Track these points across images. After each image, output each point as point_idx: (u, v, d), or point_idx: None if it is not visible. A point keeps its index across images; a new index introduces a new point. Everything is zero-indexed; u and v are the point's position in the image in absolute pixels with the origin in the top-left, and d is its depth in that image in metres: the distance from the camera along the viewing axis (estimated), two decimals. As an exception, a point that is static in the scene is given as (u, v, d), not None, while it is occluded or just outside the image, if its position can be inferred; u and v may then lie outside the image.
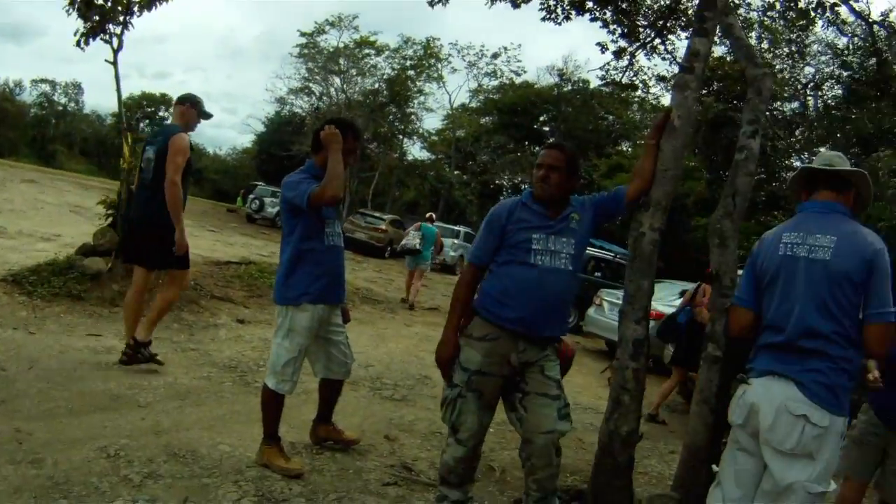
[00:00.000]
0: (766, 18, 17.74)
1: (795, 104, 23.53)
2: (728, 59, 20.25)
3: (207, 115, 6.93)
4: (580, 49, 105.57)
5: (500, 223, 4.14)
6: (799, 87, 22.89)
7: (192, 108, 6.71)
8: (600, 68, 15.41)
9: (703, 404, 4.77)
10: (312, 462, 4.90)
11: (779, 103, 22.07)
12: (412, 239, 16.48)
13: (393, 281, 19.10)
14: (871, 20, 17.90)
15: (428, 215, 18.45)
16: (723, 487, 3.61)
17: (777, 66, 20.76)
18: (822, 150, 20.73)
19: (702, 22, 5.19)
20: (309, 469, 4.73)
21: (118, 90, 9.00)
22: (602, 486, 4.70)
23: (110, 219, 8.88)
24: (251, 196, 35.73)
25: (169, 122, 7.20)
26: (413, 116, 47.69)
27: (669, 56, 19.54)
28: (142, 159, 6.69)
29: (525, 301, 3.98)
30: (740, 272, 4.39)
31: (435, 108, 52.91)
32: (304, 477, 4.56)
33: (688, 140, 5.05)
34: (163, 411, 5.43)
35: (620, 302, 13.27)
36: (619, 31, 14.42)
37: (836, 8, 17.59)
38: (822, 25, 19.10)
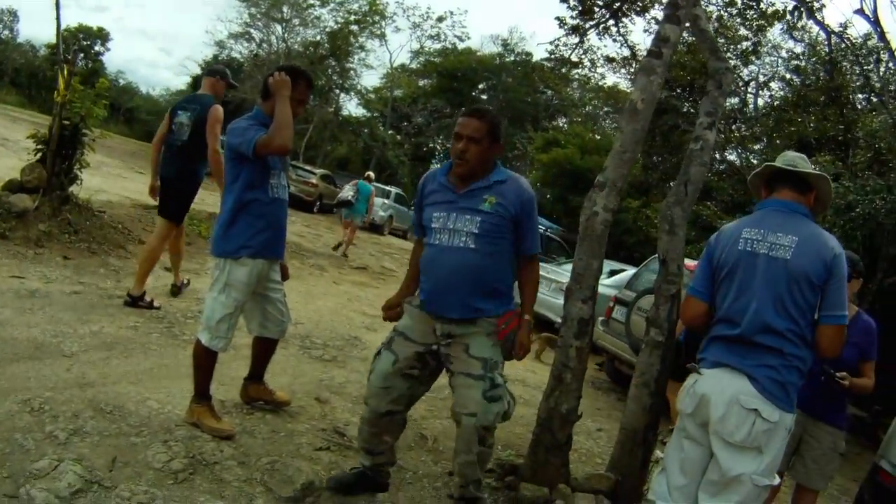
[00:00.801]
0: (724, 14, 17.93)
1: (736, 100, 23.87)
2: (680, 48, 20.43)
3: (234, 86, 8.17)
4: (527, 21, 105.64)
5: (420, 198, 4.10)
6: (741, 84, 23.21)
7: (221, 81, 7.59)
8: (550, 42, 15.36)
9: (643, 388, 4.82)
10: (243, 422, 4.76)
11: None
12: (346, 192, 17.31)
13: (321, 236, 18.89)
14: (831, 31, 18.29)
15: (366, 175, 19.11)
16: (668, 474, 3.64)
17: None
18: (758, 147, 21.22)
19: (674, 9, 5.21)
20: (240, 430, 4.59)
21: (58, 20, 8.64)
22: (540, 463, 4.70)
23: (39, 154, 8.46)
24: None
25: (200, 91, 7.69)
26: (352, 72, 47.17)
27: (621, 38, 19.70)
28: (172, 122, 7.28)
29: (425, 280, 3.95)
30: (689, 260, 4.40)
31: (375, 65, 52.71)
32: (235, 438, 4.43)
33: (647, 125, 5.02)
34: (88, 362, 5.20)
35: (548, 275, 13.49)
36: (577, 7, 14.45)
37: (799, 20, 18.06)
38: (781, 29, 19.50)
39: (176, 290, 7.91)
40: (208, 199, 16.34)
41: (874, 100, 18.08)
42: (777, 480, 3.53)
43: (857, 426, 14.52)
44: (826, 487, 4.99)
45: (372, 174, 19.76)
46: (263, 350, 5.06)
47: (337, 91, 48.14)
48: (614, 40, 19.42)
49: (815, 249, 3.37)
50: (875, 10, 18.57)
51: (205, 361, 4.54)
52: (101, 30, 70.43)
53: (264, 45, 43.63)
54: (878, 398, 15.94)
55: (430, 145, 53.08)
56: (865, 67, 18.63)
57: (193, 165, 7.27)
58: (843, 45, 18.79)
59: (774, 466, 3.39)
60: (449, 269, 3.83)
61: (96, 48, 69.11)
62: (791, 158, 3.71)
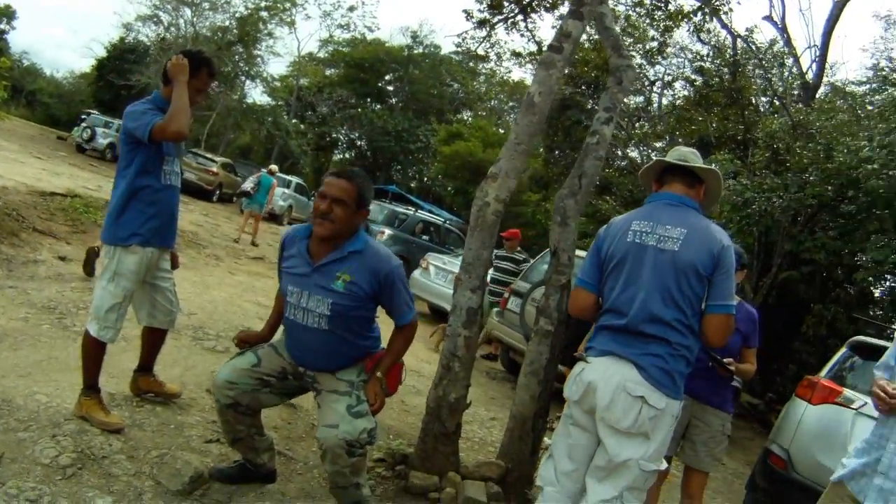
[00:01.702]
0: (632, 13, 18.30)
1: (640, 98, 24.36)
2: (585, 45, 20.73)
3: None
4: (437, 14, 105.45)
5: (280, 258, 4.04)
6: (647, 83, 23.70)
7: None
8: (458, 35, 15.47)
9: (532, 376, 4.90)
10: (133, 415, 4.68)
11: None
12: (247, 184, 17.97)
13: (220, 226, 18.62)
14: (735, 33, 18.80)
15: (269, 167, 19.52)
16: (555, 460, 3.68)
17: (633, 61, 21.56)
18: (659, 145, 21.70)
19: (579, 5, 5.27)
20: (129, 423, 4.51)
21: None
22: (429, 451, 4.76)
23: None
24: (83, 125, 33.57)
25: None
26: (259, 59, 46.41)
27: (528, 34, 19.91)
28: None
29: (289, 347, 3.95)
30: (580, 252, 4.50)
31: (282, 53, 51.92)
32: (124, 432, 4.35)
33: (544, 118, 5.11)
34: (-24, 356, 5.05)
35: (445, 266, 13.65)
36: (486, 1, 14.56)
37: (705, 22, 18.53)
38: (688, 30, 19.98)
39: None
40: (105, 187, 16.01)
41: (776, 102, 18.67)
42: (664, 465, 3.59)
43: (752, 413, 15.07)
44: (715, 469, 5.15)
45: (275, 167, 19.85)
46: (153, 340, 4.97)
47: (243, 78, 47.40)
48: (522, 35, 19.65)
49: (704, 241, 3.45)
50: (783, 17, 19.30)
51: (94, 353, 4.45)
52: (7, 7, 67.58)
53: (172, 29, 42.50)
54: (772, 387, 16.51)
55: (334, 135, 52.72)
56: (768, 71, 19.24)
57: None
58: (749, 49, 19.37)
59: (661, 452, 3.47)
60: (307, 345, 3.84)
61: (1, 26, 66.39)
62: (682, 153, 3.81)
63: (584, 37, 19.89)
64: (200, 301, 8.66)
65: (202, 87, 4.59)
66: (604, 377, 3.44)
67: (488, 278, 10.42)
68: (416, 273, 14.44)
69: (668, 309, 3.41)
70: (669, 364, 3.39)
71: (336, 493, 3.90)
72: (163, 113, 4.34)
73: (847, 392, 6.23)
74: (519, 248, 11.31)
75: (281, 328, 4.08)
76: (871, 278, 13.35)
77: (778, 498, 6.91)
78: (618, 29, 6.09)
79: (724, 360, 4.60)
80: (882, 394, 3.32)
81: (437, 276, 13.80)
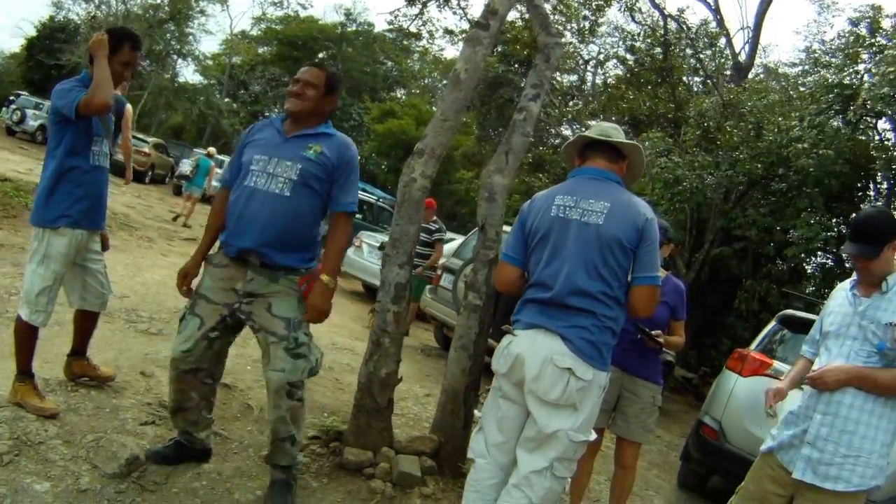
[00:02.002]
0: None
1: (574, 77, 24.55)
2: (517, 24, 20.81)
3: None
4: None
5: (242, 140, 4.13)
6: (581, 62, 23.89)
7: None
8: (390, 13, 15.47)
9: (462, 350, 4.96)
10: (67, 400, 4.67)
11: (559, 74, 23.07)
12: (186, 166, 18.64)
13: (152, 207, 18.42)
14: (667, 14, 19.04)
15: (208, 150, 20.02)
16: (485, 433, 3.74)
17: (565, 40, 21.71)
18: (593, 123, 21.93)
19: (508, -18, 5.28)
20: (64, 408, 4.51)
21: None
22: (362, 427, 4.80)
23: None
24: (12, 107, 32.68)
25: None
26: (191, 37, 45.84)
27: (461, 11, 19.92)
28: None
29: (232, 221, 3.93)
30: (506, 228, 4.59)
31: (214, 31, 51.13)
32: (59, 417, 4.35)
33: (469, 95, 5.17)
34: None
35: (379, 244, 13.63)
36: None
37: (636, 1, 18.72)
38: (619, 8, 20.18)
39: None
40: (36, 170, 15.68)
41: (709, 82, 18.96)
42: (593, 436, 3.64)
43: (687, 387, 15.41)
44: (648, 440, 5.28)
45: (213, 150, 19.85)
46: (85, 323, 4.96)
47: (174, 57, 46.70)
48: (454, 13, 19.71)
49: (627, 215, 3.50)
50: (717, -1, 19.59)
51: (26, 337, 4.44)
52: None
53: (103, 7, 41.68)
54: (706, 361, 16.88)
55: (267, 114, 52.18)
56: (700, 51, 19.52)
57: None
58: (681, 29, 19.61)
59: (590, 423, 3.53)
60: (258, 209, 3.84)
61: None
62: (603, 129, 3.85)
63: (517, 15, 20.01)
64: (133, 283, 8.59)
65: (128, 60, 4.54)
66: (531, 349, 3.49)
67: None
68: (350, 252, 14.37)
69: (593, 281, 3.46)
70: (595, 336, 3.45)
71: (274, 451, 4.05)
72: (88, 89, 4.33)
73: (777, 364, 6.47)
74: (434, 219, 11.37)
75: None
76: (802, 254, 13.66)
77: (711, 468, 7.15)
78: (547, 7, 6.18)
79: (653, 332, 4.72)
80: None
81: (371, 254, 13.85)
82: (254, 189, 3.86)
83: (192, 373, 4.05)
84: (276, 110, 51.71)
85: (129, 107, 7.24)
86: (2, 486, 3.57)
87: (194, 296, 4.06)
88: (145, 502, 3.84)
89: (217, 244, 4.14)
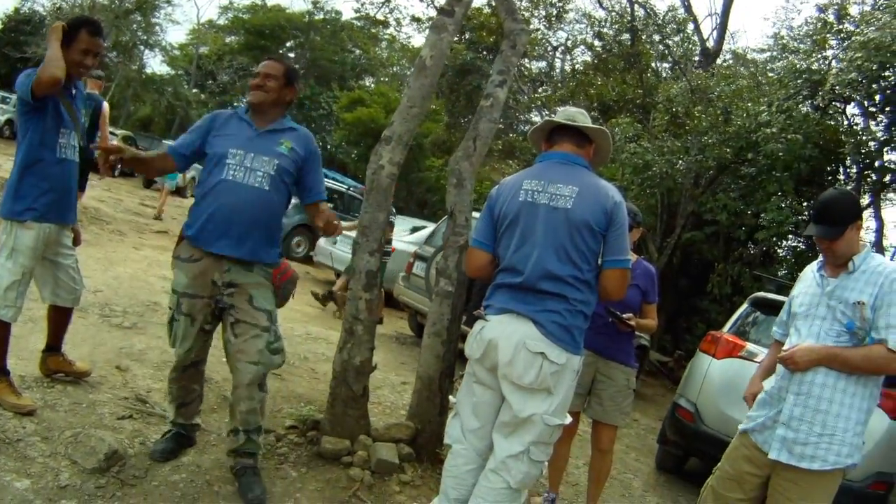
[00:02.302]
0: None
1: (543, 64, 24.59)
2: (484, 10, 20.81)
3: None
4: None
5: (205, 125, 4.18)
6: (549, 48, 23.92)
7: (100, 80, 8.77)
8: (357, 0, 15.47)
9: (435, 337, 5.00)
10: (44, 396, 4.66)
11: (527, 61, 23.12)
12: None
13: (122, 201, 18.29)
14: (634, 0, 19.11)
15: None
16: (461, 418, 3.79)
17: (532, 26, 21.74)
18: (562, 108, 22.04)
19: (472, -31, 5.30)
20: (41, 404, 4.50)
21: None
22: (339, 416, 4.82)
23: None
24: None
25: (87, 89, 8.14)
26: (158, 27, 45.36)
27: (427, -1, 19.85)
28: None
29: (209, 216, 3.97)
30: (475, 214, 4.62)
31: (181, 21, 50.67)
32: (36, 413, 4.35)
33: (435, 81, 5.19)
34: None
35: (351, 234, 13.79)
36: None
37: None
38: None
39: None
40: (5, 165, 15.54)
41: (677, 68, 19.04)
42: (568, 419, 3.67)
43: (662, 371, 15.53)
44: (624, 423, 5.32)
45: None
46: (58, 319, 4.94)
47: (141, 48, 46.26)
48: (421, 0, 19.69)
49: (596, 198, 3.52)
50: (685, -16, 19.66)
51: None
52: None
53: (68, -2, 41.18)
54: (681, 344, 17.04)
55: (235, 104, 51.85)
56: (667, 37, 19.61)
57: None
58: (648, 15, 19.67)
59: (565, 406, 3.57)
60: (241, 205, 3.94)
61: None
62: (570, 114, 3.87)
63: (483, 2, 20.00)
64: (105, 277, 8.55)
65: (87, 48, 4.45)
66: (504, 334, 3.52)
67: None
68: (322, 241, 14.42)
69: (564, 265, 3.48)
70: (567, 320, 3.48)
71: (246, 442, 4.14)
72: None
73: (750, 346, 6.56)
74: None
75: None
76: (773, 238, 13.79)
77: (688, 450, 7.23)
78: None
79: (624, 315, 4.79)
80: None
81: (342, 243, 13.78)
82: (233, 182, 3.94)
83: (192, 366, 4.25)
84: (245, 100, 51.52)
85: (106, 105, 7.37)
86: (-19, 484, 3.55)
87: (176, 297, 4.08)
88: (126, 496, 3.85)
89: (179, 236, 4.19)
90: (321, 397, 5.59)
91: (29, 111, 4.33)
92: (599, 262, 3.59)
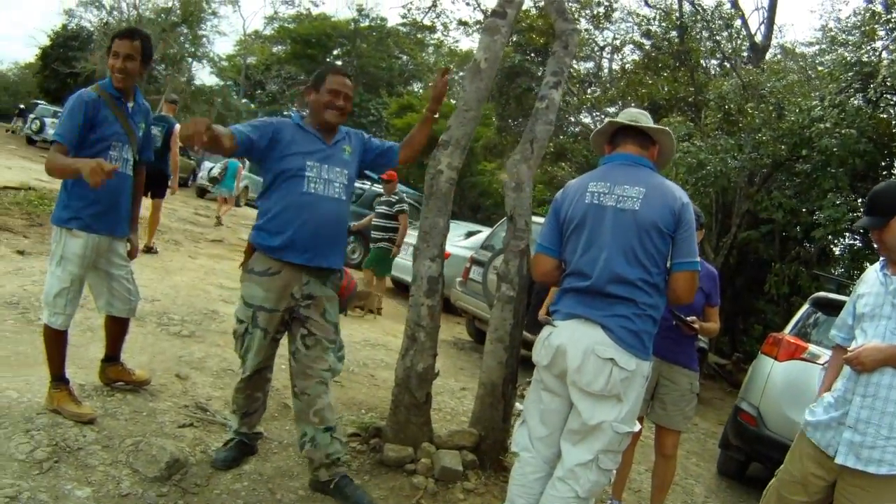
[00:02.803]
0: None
1: (591, 64, 24.45)
2: (532, 12, 20.73)
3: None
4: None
5: (269, 128, 4.08)
6: (596, 48, 23.78)
7: (174, 105, 11.66)
8: (403, 6, 15.52)
9: (498, 342, 4.93)
10: (104, 405, 4.66)
11: (575, 62, 23.04)
12: (215, 169, 19.07)
13: (176, 210, 18.44)
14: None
15: None
16: (528, 426, 3.71)
17: (579, 26, 21.66)
18: (612, 109, 21.84)
19: (522, -30, 5.25)
20: (101, 413, 4.50)
21: None
22: (402, 423, 4.79)
23: None
24: (31, 116, 32.72)
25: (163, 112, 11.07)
26: (205, 39, 45.83)
27: (474, 2, 19.83)
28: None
29: (296, 228, 3.96)
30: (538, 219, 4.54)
31: (228, 32, 51.21)
32: (96, 422, 4.35)
33: (490, 84, 5.13)
34: (-58, 354, 5.01)
35: (407, 240, 13.79)
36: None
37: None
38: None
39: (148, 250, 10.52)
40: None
41: (726, 64, 18.80)
42: (637, 427, 3.61)
43: (721, 373, 15.30)
44: (687, 428, 5.24)
45: None
46: (115, 329, 4.94)
47: (189, 59, 46.81)
48: (467, 4, 19.67)
49: (663, 199, 3.46)
50: (731, -22, 19.41)
51: (54, 342, 4.44)
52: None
53: (115, 13, 41.77)
54: (738, 346, 16.79)
55: (285, 113, 52.32)
56: (716, 33, 19.37)
57: (163, 162, 10.13)
58: (696, 11, 19.46)
59: (634, 413, 3.47)
60: (326, 218, 4.03)
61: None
62: (632, 114, 3.81)
63: (531, 3, 19.91)
64: (162, 287, 8.59)
65: (116, 51, 4.49)
66: (572, 340, 3.44)
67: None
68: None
69: (633, 268, 3.41)
70: (636, 324, 3.40)
71: (332, 443, 4.09)
72: (115, 99, 4.45)
73: (812, 347, 6.40)
74: (396, 191, 11.40)
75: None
76: (829, 236, 13.50)
77: (750, 454, 7.08)
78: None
79: (688, 318, 4.69)
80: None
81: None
82: (315, 195, 4.01)
83: (258, 373, 4.26)
84: (295, 108, 51.87)
85: (178, 126, 7.81)
86: (43, 493, 3.56)
87: (250, 309, 4.06)
88: (188, 505, 3.83)
89: (250, 248, 4.16)
90: (381, 404, 5.56)
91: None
92: (668, 264, 3.51)
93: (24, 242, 9.26)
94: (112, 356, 4.98)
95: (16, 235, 9.40)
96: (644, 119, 3.79)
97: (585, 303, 3.49)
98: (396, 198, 11.20)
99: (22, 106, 42.59)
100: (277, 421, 5.12)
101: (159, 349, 6.14)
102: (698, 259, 3.53)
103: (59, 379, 4.43)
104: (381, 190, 12.16)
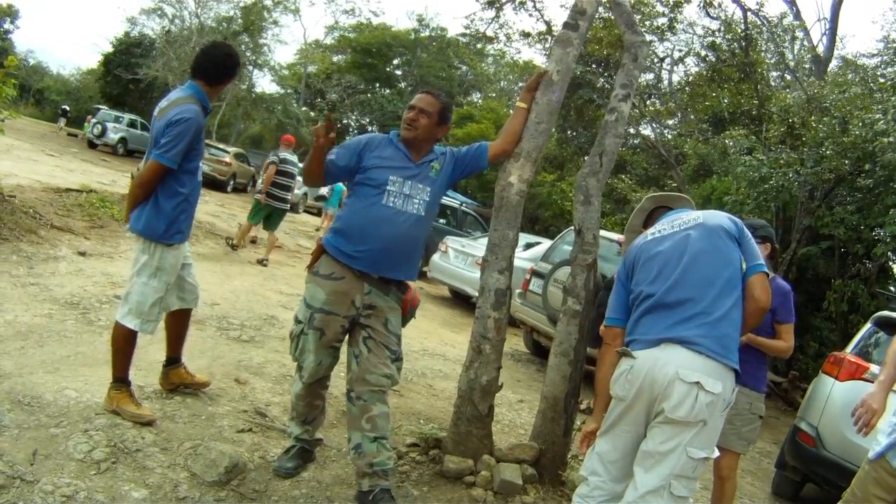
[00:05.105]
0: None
1: (651, 76, 24.19)
2: (596, 23, 20.62)
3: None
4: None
5: (360, 145, 4.19)
6: (656, 60, 23.53)
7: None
8: (466, 17, 15.55)
9: (562, 356, 4.88)
10: (163, 407, 4.68)
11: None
12: (324, 189, 20.14)
13: (236, 216, 18.61)
14: (746, 8, 18.69)
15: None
16: (599, 449, 3.56)
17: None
18: (671, 121, 21.61)
19: (592, -18, 5.20)
20: (160, 415, 4.51)
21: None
22: (462, 435, 4.73)
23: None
24: (93, 120, 33.52)
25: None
26: (266, 48, 46.32)
27: (537, 13, 19.79)
28: None
29: (371, 239, 3.98)
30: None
31: (288, 41, 51.82)
32: (156, 424, 4.36)
33: (562, 96, 5.07)
34: (4, 353, 5.07)
35: (465, 249, 13.84)
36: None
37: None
38: (698, 5, 19.92)
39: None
40: (119, 181, 16.00)
41: (787, 77, 18.51)
42: (716, 453, 3.43)
43: (776, 392, 14.99)
44: (745, 450, 5.07)
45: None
46: (177, 326, 4.97)
47: (250, 67, 47.36)
48: (530, 15, 19.64)
49: (718, 214, 3.59)
50: (793, -10, 19.12)
51: (126, 346, 4.47)
52: (9, 7, 67.53)
53: (177, 21, 42.45)
54: (794, 364, 16.47)
55: (345, 121, 52.68)
56: (780, 45, 19.08)
57: None
58: (759, 23, 19.20)
59: (713, 438, 3.33)
60: (400, 231, 4.02)
61: (5, 26, 66.30)
62: (659, 198, 4.09)
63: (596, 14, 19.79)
64: (222, 291, 8.65)
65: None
66: (654, 369, 3.28)
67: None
68: (436, 256, 14.52)
69: (707, 277, 3.36)
70: (717, 330, 3.29)
71: (380, 451, 4.03)
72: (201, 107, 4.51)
73: (874, 368, 6.21)
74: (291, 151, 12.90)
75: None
76: (890, 253, 13.18)
77: (807, 475, 6.90)
78: (628, 4, 5.99)
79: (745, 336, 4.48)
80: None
81: (457, 258, 13.82)
82: (393, 210, 4.04)
83: (317, 382, 4.26)
84: (354, 117, 52.24)
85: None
86: (100, 494, 3.56)
87: (309, 311, 4.08)
88: (246, 511, 3.80)
89: (319, 249, 4.18)
90: (440, 415, 5.51)
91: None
92: (742, 268, 3.45)
93: (86, 244, 9.38)
94: (174, 357, 5.00)
95: (77, 237, 9.53)
96: (671, 199, 4.06)
97: (661, 323, 3.37)
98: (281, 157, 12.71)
99: (66, 107, 43.67)
100: (336, 428, 5.08)
101: (219, 353, 6.16)
102: (763, 262, 3.50)
103: (121, 380, 4.45)
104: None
